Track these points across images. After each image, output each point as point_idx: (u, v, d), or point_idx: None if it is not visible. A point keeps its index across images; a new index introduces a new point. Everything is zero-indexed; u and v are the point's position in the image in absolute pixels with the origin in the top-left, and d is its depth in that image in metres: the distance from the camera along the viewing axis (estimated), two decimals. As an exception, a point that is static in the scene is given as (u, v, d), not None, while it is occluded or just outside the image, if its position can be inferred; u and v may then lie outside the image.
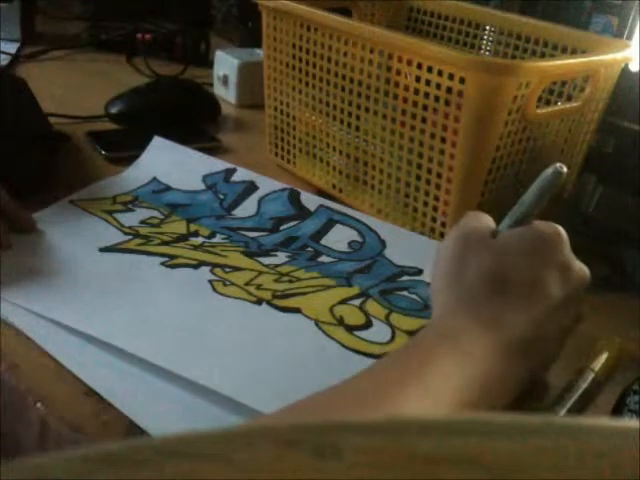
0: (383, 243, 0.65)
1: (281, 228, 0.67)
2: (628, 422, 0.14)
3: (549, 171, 0.47)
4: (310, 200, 0.71)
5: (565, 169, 0.47)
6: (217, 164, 0.76)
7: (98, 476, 0.13)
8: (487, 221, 0.48)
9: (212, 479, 0.13)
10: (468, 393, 0.38)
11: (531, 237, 0.44)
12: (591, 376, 0.49)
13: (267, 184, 0.73)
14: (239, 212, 0.69)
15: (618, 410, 0.46)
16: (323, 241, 0.65)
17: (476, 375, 0.39)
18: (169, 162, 0.76)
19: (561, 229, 0.45)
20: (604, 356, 0.51)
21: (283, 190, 0.72)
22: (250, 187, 0.73)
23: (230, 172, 0.75)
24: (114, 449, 0.13)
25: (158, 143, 0.78)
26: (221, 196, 0.71)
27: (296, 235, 0.66)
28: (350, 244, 0.65)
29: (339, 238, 0.66)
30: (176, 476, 0.13)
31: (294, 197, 0.71)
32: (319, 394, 0.37)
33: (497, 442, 0.13)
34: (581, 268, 0.45)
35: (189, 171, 0.75)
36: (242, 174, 0.75)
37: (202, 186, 0.73)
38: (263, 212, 0.69)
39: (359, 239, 0.66)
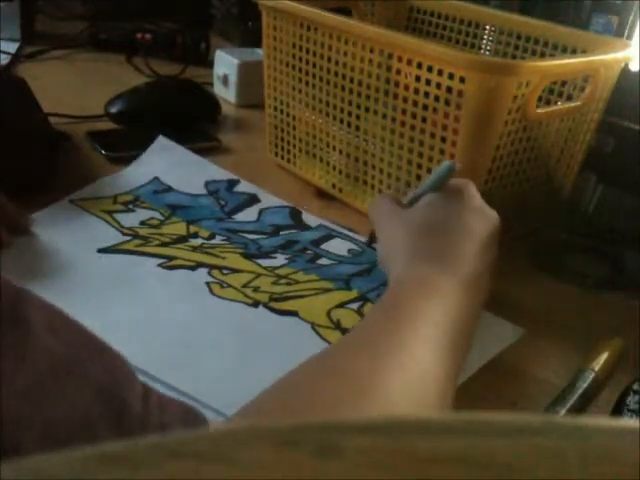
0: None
1: (281, 233, 0.67)
2: (628, 422, 0.14)
3: (445, 165, 0.52)
4: (311, 219, 0.70)
5: (459, 166, 0.52)
6: (221, 173, 0.76)
7: (98, 476, 0.13)
8: (390, 196, 0.58)
9: (212, 479, 0.13)
10: (449, 326, 0.43)
11: (447, 193, 0.52)
12: (591, 376, 0.49)
13: (269, 199, 0.73)
14: (239, 217, 0.69)
15: (618, 410, 0.46)
16: (323, 246, 0.65)
17: (449, 311, 0.44)
18: (172, 163, 0.76)
19: (468, 181, 0.53)
20: (604, 356, 0.51)
21: (285, 207, 0.72)
22: (252, 199, 0.72)
23: (233, 183, 0.75)
24: (114, 449, 0.13)
25: (162, 143, 0.78)
26: (222, 202, 0.71)
27: (296, 239, 0.66)
28: (349, 251, 0.65)
29: (338, 246, 0.66)
30: (176, 476, 0.13)
31: (295, 214, 0.71)
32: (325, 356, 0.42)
33: (497, 442, 0.13)
34: (491, 211, 0.52)
35: (192, 175, 0.75)
36: (245, 186, 0.74)
37: (204, 191, 0.72)
38: (263, 219, 0.69)
39: (358, 249, 0.65)
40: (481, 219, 0.50)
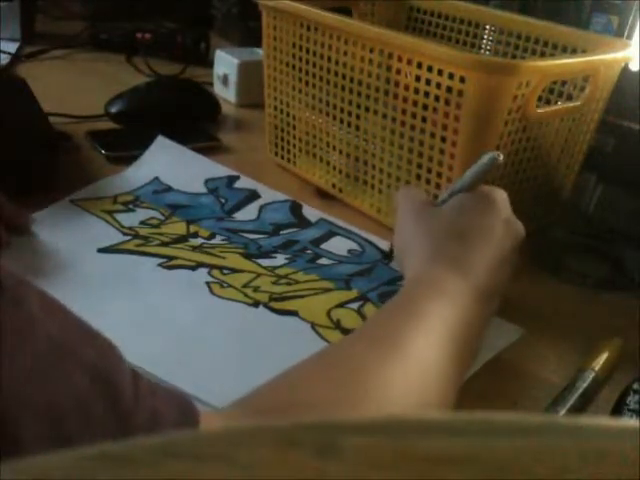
0: (383, 253, 0.65)
1: (281, 232, 0.67)
2: (628, 422, 0.14)
3: (486, 157, 0.51)
4: (311, 213, 0.71)
5: (502, 157, 0.51)
6: (220, 170, 0.76)
7: (98, 476, 0.13)
8: (422, 191, 0.58)
9: (212, 479, 0.13)
10: (457, 330, 0.43)
11: (478, 198, 0.51)
12: (591, 376, 0.49)
13: (269, 194, 0.73)
14: (239, 216, 0.69)
15: (618, 410, 0.46)
16: (323, 246, 0.65)
17: (459, 314, 0.44)
18: (172, 162, 0.76)
19: (502, 190, 0.52)
20: (604, 356, 0.51)
21: (285, 201, 0.72)
22: (252, 195, 0.72)
23: (233, 179, 0.75)
24: (114, 449, 0.13)
25: (161, 143, 0.78)
26: (222, 200, 0.71)
27: (296, 239, 0.66)
28: (349, 251, 0.65)
29: (338, 245, 0.66)
30: (176, 476, 0.13)
31: (295, 208, 0.71)
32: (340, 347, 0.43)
33: (497, 442, 0.13)
34: (520, 224, 0.52)
35: (191, 173, 0.75)
36: (245, 182, 0.75)
37: (204, 189, 0.72)
38: (263, 217, 0.69)
39: (359, 249, 0.65)
40: (508, 231, 0.50)
